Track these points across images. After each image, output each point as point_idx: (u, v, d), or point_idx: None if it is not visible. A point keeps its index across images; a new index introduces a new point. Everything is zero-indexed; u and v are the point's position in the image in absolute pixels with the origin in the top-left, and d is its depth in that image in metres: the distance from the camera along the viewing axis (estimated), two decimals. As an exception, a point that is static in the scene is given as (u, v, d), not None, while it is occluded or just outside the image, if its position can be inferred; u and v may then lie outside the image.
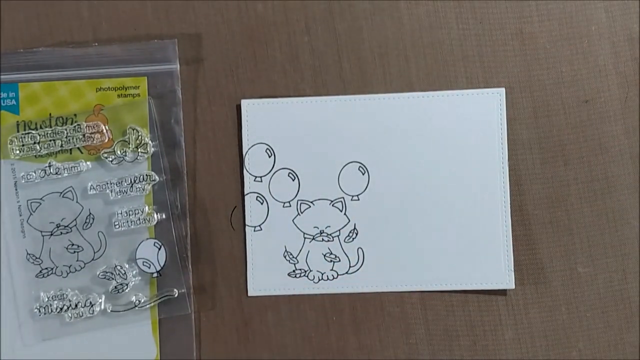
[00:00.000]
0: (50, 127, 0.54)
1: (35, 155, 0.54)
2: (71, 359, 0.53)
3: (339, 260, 0.54)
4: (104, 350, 0.54)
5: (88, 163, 0.54)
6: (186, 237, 0.54)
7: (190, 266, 0.54)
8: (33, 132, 0.54)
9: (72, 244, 0.54)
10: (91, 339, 0.54)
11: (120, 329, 0.54)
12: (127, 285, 0.54)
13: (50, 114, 0.55)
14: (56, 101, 0.55)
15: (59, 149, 0.54)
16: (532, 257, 0.54)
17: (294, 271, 0.54)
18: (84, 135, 0.54)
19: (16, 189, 0.54)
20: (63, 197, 0.54)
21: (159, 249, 0.54)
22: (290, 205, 0.54)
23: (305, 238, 0.54)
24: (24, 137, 0.54)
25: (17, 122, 0.54)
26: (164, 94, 0.55)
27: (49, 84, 0.55)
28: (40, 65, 0.55)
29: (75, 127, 0.54)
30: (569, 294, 0.54)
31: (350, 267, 0.54)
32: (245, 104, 0.55)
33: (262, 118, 0.55)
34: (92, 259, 0.54)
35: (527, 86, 0.55)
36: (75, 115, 0.55)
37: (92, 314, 0.53)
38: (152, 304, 0.53)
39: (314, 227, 0.54)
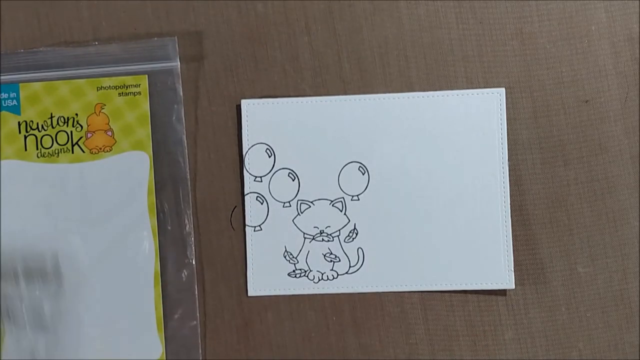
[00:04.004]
0: (52, 127, 0.54)
1: (37, 155, 0.54)
2: (75, 359, 0.53)
3: (339, 260, 0.54)
4: (108, 348, 0.54)
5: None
6: (190, 236, 0.54)
7: (195, 264, 0.54)
8: (35, 132, 0.54)
9: None
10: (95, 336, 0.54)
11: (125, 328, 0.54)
12: None
13: (51, 114, 0.55)
14: (57, 101, 0.55)
15: (61, 148, 0.54)
16: (532, 257, 0.54)
17: (294, 271, 0.54)
18: (86, 135, 0.54)
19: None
20: None
21: None
22: (290, 205, 0.54)
23: (305, 238, 0.54)
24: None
25: (19, 122, 0.55)
26: (164, 92, 0.55)
27: (49, 84, 0.55)
28: (41, 65, 0.55)
29: (77, 126, 0.54)
30: (569, 294, 0.54)
31: (350, 267, 0.54)
32: (245, 104, 0.55)
33: (262, 118, 0.55)
34: None
35: (527, 86, 0.55)
36: (76, 114, 0.55)
37: None
38: None
39: (314, 227, 0.54)
